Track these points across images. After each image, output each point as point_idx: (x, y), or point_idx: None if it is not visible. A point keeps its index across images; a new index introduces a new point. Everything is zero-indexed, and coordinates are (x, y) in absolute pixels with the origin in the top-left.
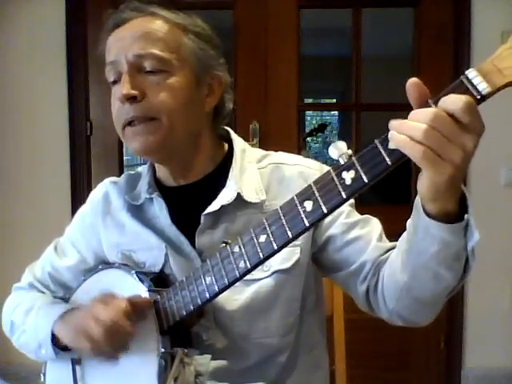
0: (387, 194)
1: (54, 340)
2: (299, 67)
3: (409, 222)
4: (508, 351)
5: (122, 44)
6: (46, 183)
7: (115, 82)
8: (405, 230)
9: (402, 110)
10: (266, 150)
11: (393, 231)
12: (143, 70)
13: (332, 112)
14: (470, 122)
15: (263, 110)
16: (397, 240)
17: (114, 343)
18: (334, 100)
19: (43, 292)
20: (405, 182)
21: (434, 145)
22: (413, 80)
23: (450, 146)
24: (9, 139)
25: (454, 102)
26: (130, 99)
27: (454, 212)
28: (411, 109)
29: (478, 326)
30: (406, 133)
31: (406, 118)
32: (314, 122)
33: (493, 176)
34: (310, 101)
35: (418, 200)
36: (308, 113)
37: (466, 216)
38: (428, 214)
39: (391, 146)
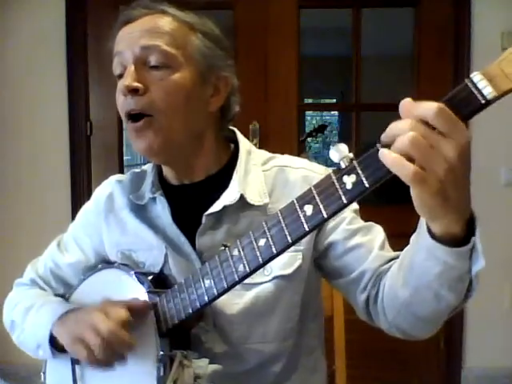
0: (389, 193)
1: (53, 341)
2: (299, 67)
3: (413, 238)
4: (508, 351)
5: (130, 37)
6: (46, 183)
7: (121, 76)
8: (408, 238)
9: None
10: (266, 150)
11: (396, 231)
12: (148, 64)
13: (332, 112)
14: (446, 129)
15: (263, 110)
16: (399, 241)
17: (110, 354)
18: (334, 100)
19: (44, 289)
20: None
21: (420, 154)
22: (406, 100)
23: (435, 157)
24: (9, 139)
25: (426, 108)
26: (132, 91)
27: (460, 235)
28: None
29: (478, 326)
30: (395, 136)
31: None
32: (314, 122)
33: (493, 176)
34: (310, 101)
35: (422, 219)
36: (308, 113)
37: (472, 239)
38: (433, 235)
39: None
